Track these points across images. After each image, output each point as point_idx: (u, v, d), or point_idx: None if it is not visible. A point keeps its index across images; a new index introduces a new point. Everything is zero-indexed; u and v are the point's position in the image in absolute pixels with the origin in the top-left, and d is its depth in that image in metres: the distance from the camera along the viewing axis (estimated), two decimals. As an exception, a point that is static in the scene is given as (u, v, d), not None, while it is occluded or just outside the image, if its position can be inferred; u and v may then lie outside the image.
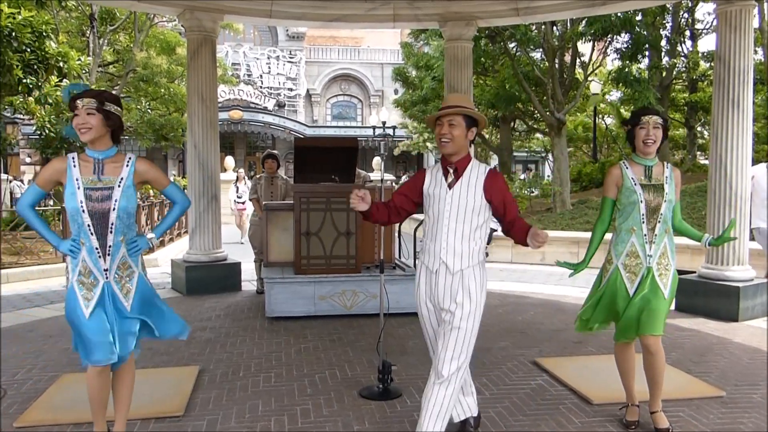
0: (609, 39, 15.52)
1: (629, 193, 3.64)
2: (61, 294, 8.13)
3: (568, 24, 15.28)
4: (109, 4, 13.58)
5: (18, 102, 12.97)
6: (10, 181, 24.44)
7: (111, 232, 3.10)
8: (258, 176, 8.18)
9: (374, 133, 26.00)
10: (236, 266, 8.36)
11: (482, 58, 16.92)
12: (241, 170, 15.90)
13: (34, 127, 17.08)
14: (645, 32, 15.37)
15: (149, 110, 20.10)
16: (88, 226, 3.07)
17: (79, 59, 10.98)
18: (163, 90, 18.52)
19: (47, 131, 15.70)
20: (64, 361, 5.18)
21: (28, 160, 34.27)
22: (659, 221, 3.62)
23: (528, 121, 19.95)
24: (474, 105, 3.32)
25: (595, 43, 15.78)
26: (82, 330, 3.08)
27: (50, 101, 11.68)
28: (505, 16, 8.56)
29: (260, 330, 6.19)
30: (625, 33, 14.77)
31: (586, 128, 23.56)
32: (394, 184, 22.61)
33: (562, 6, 8.13)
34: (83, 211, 3.06)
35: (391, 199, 3.39)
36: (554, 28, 15.85)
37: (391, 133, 24.40)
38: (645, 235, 3.64)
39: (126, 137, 27.36)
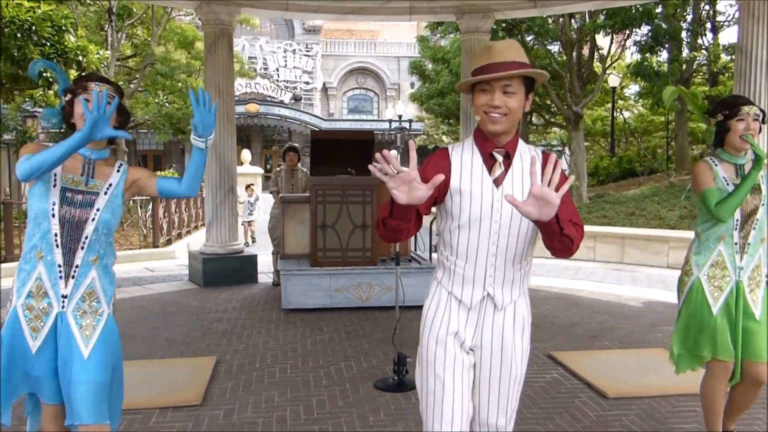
0: (628, 32, 15.37)
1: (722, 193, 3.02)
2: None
3: (587, 16, 15.15)
4: (128, -2, 13.68)
5: (38, 95, 13.12)
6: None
7: (82, 247, 2.40)
8: (278, 169, 8.22)
9: (390, 126, 26.03)
10: (252, 258, 8.41)
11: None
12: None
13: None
14: (665, 24, 15.21)
15: (167, 104, 20.22)
16: (55, 235, 2.38)
17: (98, 53, 11.08)
18: (180, 84, 18.63)
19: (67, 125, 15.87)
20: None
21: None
22: (754, 227, 3.05)
23: (545, 114, 19.83)
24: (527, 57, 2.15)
25: (614, 36, 15.64)
26: (27, 367, 2.39)
27: (70, 94, 11.80)
28: (522, 8, 8.51)
29: (276, 322, 6.23)
30: (645, 25, 14.62)
31: (604, 122, 23.36)
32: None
33: (580, -2, 8.08)
34: (53, 215, 2.37)
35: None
36: (572, 20, 15.73)
37: (408, 127, 24.43)
38: (736, 243, 3.05)
39: (144, 131, 27.58)
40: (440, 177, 1.83)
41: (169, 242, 12.01)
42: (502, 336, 2.17)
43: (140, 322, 6.24)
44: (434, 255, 7.38)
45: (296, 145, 8.44)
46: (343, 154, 7.06)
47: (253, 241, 13.43)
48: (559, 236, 1.92)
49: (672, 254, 10.02)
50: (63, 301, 2.40)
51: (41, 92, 12.88)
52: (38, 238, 2.38)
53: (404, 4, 8.55)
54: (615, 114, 21.12)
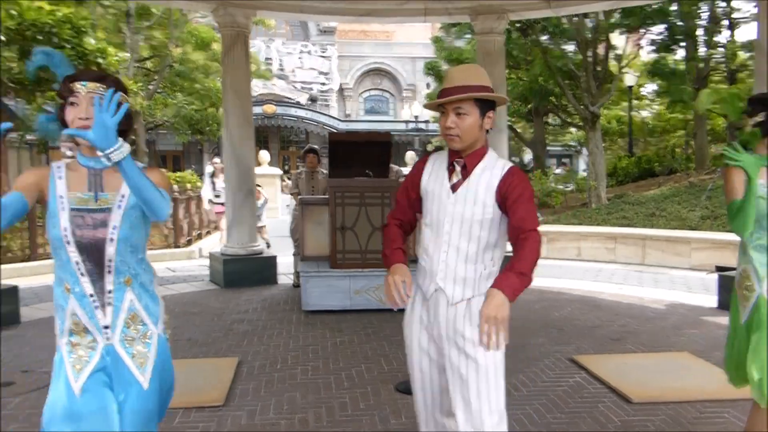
0: (643, 30, 15.24)
1: (762, 202, 2.73)
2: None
3: (602, 16, 15.04)
4: (145, 1, 13.77)
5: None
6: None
7: (109, 271, 2.13)
8: (299, 171, 8.23)
9: (407, 127, 25.98)
10: (272, 259, 8.44)
11: (514, 52, 16.76)
12: (217, 160, 11.89)
13: (74, 122, 17.47)
14: (680, 22, 15.05)
15: (185, 105, 20.37)
16: (77, 263, 2.10)
17: (117, 55, 11.20)
18: (198, 85, 18.76)
19: (86, 126, 16.04)
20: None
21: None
22: None
23: (561, 114, 19.73)
24: (487, 77, 2.35)
25: (630, 35, 15.51)
26: (70, 410, 2.07)
27: (90, 96, 11.92)
28: (536, 8, 8.46)
29: (296, 323, 6.24)
30: (661, 24, 14.49)
31: (621, 122, 23.17)
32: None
33: (596, -3, 8.02)
34: (68, 242, 2.08)
35: (395, 207, 2.61)
36: (587, 20, 15.62)
37: (424, 128, 24.37)
38: None
39: (163, 131, 27.79)
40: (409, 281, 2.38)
41: (189, 242, 12.09)
42: (455, 328, 2.33)
43: (161, 323, 6.27)
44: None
45: (316, 146, 8.45)
46: (361, 155, 7.05)
47: (267, 246, 13.13)
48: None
49: (694, 255, 9.91)
50: (106, 333, 2.14)
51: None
52: (61, 270, 2.13)
53: (419, 5, 8.53)
54: (632, 113, 20.95)
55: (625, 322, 6.32)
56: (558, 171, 24.48)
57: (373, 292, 6.61)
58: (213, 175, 11.56)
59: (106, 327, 2.14)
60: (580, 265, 10.39)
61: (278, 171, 22.27)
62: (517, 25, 15.04)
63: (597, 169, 15.24)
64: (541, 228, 7.83)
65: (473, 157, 2.34)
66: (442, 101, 2.29)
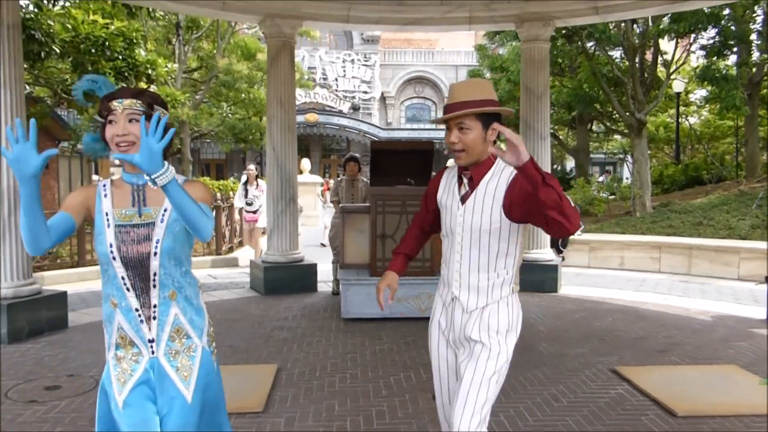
0: (694, 35, 14.91)
1: None
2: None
3: (650, 21, 14.78)
4: (195, 13, 14.10)
5: (109, 107, 13.63)
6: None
7: (154, 286, 2.17)
8: (339, 179, 8.32)
9: (448, 135, 26.00)
10: (312, 267, 8.52)
11: (559, 59, 16.60)
12: (252, 167, 11.53)
13: (123, 132, 17.97)
14: (733, 27, 14.69)
15: (230, 114, 20.74)
16: (123, 279, 2.16)
17: (166, 66, 11.49)
18: (243, 95, 19.09)
19: (135, 135, 16.47)
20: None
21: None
22: None
23: (606, 122, 19.43)
24: (492, 90, 2.40)
25: (679, 40, 15.20)
26: (113, 425, 2.16)
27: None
28: (583, 15, 8.37)
29: (336, 331, 6.29)
30: (712, 28, 14.15)
31: (668, 129, 22.68)
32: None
33: (644, 3, 7.89)
34: (114, 258, 2.15)
35: (420, 209, 2.76)
36: (635, 25, 15.37)
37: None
38: None
39: (208, 140, 28.32)
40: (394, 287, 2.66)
41: (231, 250, 12.29)
42: (470, 335, 2.40)
43: (204, 328, 6.39)
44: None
45: (357, 155, 8.52)
46: (403, 164, 7.08)
47: None
48: (542, 185, 2.06)
49: (743, 266, 9.64)
50: (151, 346, 2.18)
51: (112, 105, 13.39)
52: (108, 285, 2.19)
53: (464, 13, 8.54)
54: (680, 120, 20.51)
55: (670, 333, 6.18)
56: (601, 179, 24.10)
57: (413, 301, 6.62)
58: (246, 182, 11.20)
59: (151, 341, 2.18)
60: (623, 275, 10.20)
61: (319, 179, 22.46)
62: (563, 32, 14.89)
63: (642, 177, 14.96)
64: (583, 237, 7.81)
65: (480, 169, 2.40)
66: (444, 118, 2.37)
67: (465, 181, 2.43)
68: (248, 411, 4.12)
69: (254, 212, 10.91)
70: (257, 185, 10.98)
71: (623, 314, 7.05)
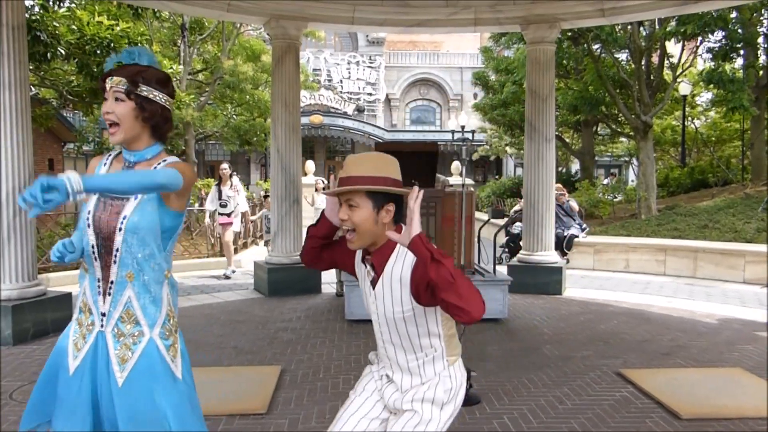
0: (700, 38, 14.86)
1: None
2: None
3: (657, 23, 14.74)
4: (200, 14, 14.14)
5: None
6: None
7: (115, 261, 2.15)
8: None
9: (453, 137, 25.94)
10: (316, 269, 8.49)
11: (564, 61, 16.56)
12: (225, 165, 10.58)
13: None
14: (740, 30, 14.64)
15: (234, 116, 20.78)
16: (93, 246, 2.17)
17: (171, 67, 11.50)
18: (248, 96, 19.12)
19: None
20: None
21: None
22: None
23: (612, 124, 19.39)
24: (392, 167, 2.17)
25: (685, 43, 15.15)
26: (57, 385, 2.20)
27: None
28: (590, 17, 8.35)
29: (339, 332, 6.28)
30: (719, 31, 14.10)
31: (674, 131, 22.61)
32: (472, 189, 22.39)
33: (651, 5, 7.86)
34: (88, 224, 2.18)
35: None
36: (641, 28, 15.33)
37: (470, 138, 24.29)
38: None
39: (212, 142, 28.38)
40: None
41: (235, 251, 12.28)
42: (401, 407, 2.20)
43: (208, 329, 6.40)
44: (498, 267, 7.30)
45: (358, 156, 8.51)
46: (407, 166, 6.99)
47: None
48: (431, 263, 1.87)
49: (749, 269, 9.60)
50: (102, 320, 2.17)
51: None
52: (83, 251, 2.20)
53: (469, 15, 8.53)
54: (686, 123, 20.45)
55: (675, 336, 6.16)
56: (606, 181, 24.04)
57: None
58: (220, 182, 10.22)
59: (103, 314, 2.17)
60: (628, 278, 10.17)
61: (324, 181, 22.48)
62: (569, 34, 14.86)
63: (647, 180, 14.91)
64: (588, 239, 7.84)
65: (381, 254, 2.15)
66: (330, 192, 2.18)
67: (367, 268, 2.21)
68: (252, 412, 4.11)
69: (228, 215, 10.05)
70: (231, 185, 10.13)
71: (628, 317, 7.03)
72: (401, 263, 2.11)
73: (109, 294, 2.16)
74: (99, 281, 2.17)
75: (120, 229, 2.14)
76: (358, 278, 2.30)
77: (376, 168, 2.11)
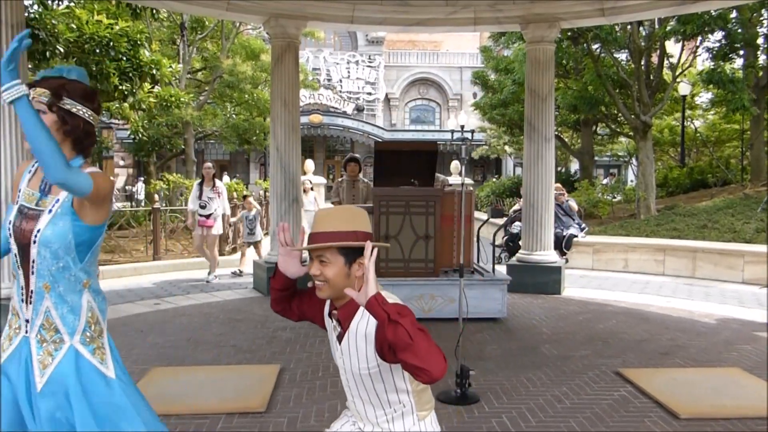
0: (700, 38, 14.87)
1: None
2: (152, 291, 8.53)
3: (656, 23, 14.75)
4: (199, 13, 14.14)
5: (114, 108, 13.67)
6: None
7: (32, 272, 2.19)
8: (340, 179, 8.32)
9: (452, 137, 26.01)
10: (316, 268, 8.49)
11: (564, 61, 16.56)
12: (209, 164, 10.19)
13: (128, 132, 18.07)
14: (740, 30, 14.65)
15: (233, 115, 20.79)
16: (15, 255, 2.22)
17: (170, 66, 11.50)
18: (247, 95, 19.12)
19: (140, 135, 16.55)
20: (154, 354, 5.43)
21: (121, 163, 36.15)
22: None
23: (611, 124, 19.40)
24: (363, 220, 2.15)
25: (685, 43, 15.16)
26: None
27: (143, 107, 12.29)
28: (589, 16, 8.35)
29: (339, 331, 6.27)
30: (719, 31, 14.11)
31: (673, 132, 22.62)
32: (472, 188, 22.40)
33: (651, 5, 7.86)
34: (9, 234, 2.22)
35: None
36: (641, 27, 15.34)
37: (470, 137, 24.32)
38: None
39: (212, 141, 28.37)
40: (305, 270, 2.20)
41: (234, 250, 12.28)
42: None
43: (207, 328, 6.41)
44: (497, 267, 7.31)
45: (357, 156, 8.53)
46: (407, 165, 7.07)
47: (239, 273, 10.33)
48: (388, 323, 1.84)
49: (748, 269, 9.60)
50: (26, 326, 2.22)
51: (117, 105, 13.43)
52: (12, 259, 2.26)
53: (469, 14, 8.53)
54: (685, 123, 20.45)
55: (673, 335, 6.16)
56: (605, 181, 24.05)
57: (416, 301, 6.60)
58: (202, 182, 9.67)
59: (27, 321, 2.22)
60: (627, 277, 10.17)
61: (323, 180, 22.45)
62: (568, 33, 14.85)
63: (646, 180, 14.92)
64: (587, 239, 7.84)
65: (348, 309, 2.13)
66: (299, 248, 2.19)
67: (333, 323, 2.19)
68: (251, 411, 4.11)
69: (207, 216, 9.41)
70: (214, 186, 9.59)
71: (627, 316, 7.03)
72: (366, 320, 2.08)
73: (31, 302, 2.20)
74: (22, 288, 2.21)
75: (34, 242, 2.16)
76: (327, 330, 2.26)
77: (346, 222, 2.10)
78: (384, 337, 1.87)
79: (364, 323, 2.08)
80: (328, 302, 2.23)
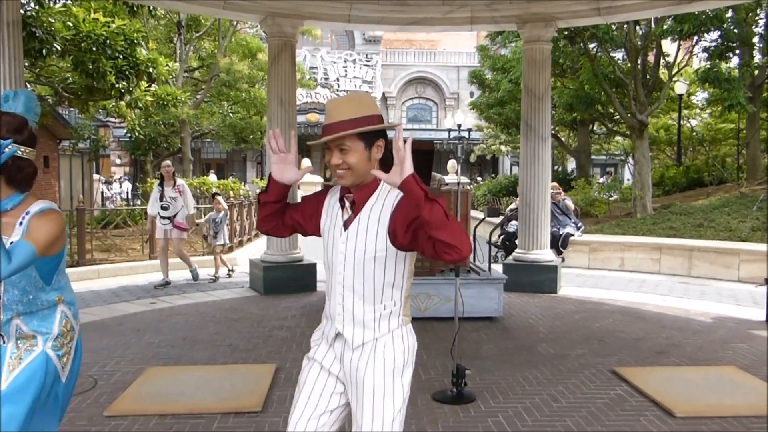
0: (696, 37, 14.89)
1: None
2: (148, 290, 8.51)
3: (653, 22, 14.77)
4: (196, 11, 14.11)
5: (110, 106, 13.64)
6: (104, 182, 25.76)
7: (2, 307, 2.30)
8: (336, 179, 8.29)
9: (449, 135, 25.97)
10: (312, 266, 8.51)
11: (561, 60, 16.57)
12: (168, 162, 9.41)
13: (125, 130, 18.05)
14: (735, 29, 14.67)
15: (230, 114, 20.76)
16: None
17: (167, 65, 11.47)
18: (244, 94, 19.10)
19: (137, 134, 16.53)
20: (150, 354, 5.42)
21: (118, 161, 36.07)
22: None
23: (608, 123, 19.43)
24: (371, 103, 2.22)
25: (681, 42, 15.17)
26: None
27: (140, 105, 12.26)
28: (586, 16, 8.36)
29: (335, 330, 6.27)
30: (715, 30, 14.14)
31: (669, 131, 22.65)
32: (469, 187, 22.44)
33: (647, 4, 7.87)
34: None
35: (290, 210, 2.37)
36: (637, 27, 15.36)
37: (467, 136, 24.31)
38: None
39: (208, 140, 28.31)
40: (310, 167, 2.37)
41: (230, 249, 12.27)
42: (356, 374, 2.17)
43: (204, 327, 6.40)
44: (494, 266, 7.31)
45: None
46: (403, 163, 7.05)
47: (231, 271, 9.80)
48: (425, 201, 1.92)
49: (743, 267, 9.63)
50: (2, 338, 2.32)
51: (113, 103, 13.42)
52: None
53: (466, 14, 8.53)
54: (681, 122, 20.49)
55: (669, 334, 6.17)
56: (602, 180, 24.08)
57: (413, 301, 6.60)
58: (162, 182, 8.94)
59: (1, 335, 2.32)
60: (624, 276, 10.19)
61: (319, 179, 22.48)
62: (565, 32, 14.86)
63: (643, 179, 14.94)
64: (584, 238, 7.84)
65: (363, 192, 2.18)
66: (321, 141, 2.17)
67: (347, 204, 2.20)
68: (247, 410, 4.11)
69: (171, 218, 8.79)
70: (175, 184, 8.91)
71: (623, 315, 7.05)
72: (381, 202, 2.16)
73: (1, 334, 2.30)
74: None
75: (1, 282, 2.20)
76: (323, 227, 2.27)
77: (359, 108, 2.15)
78: (416, 215, 1.96)
79: (379, 205, 2.16)
80: (335, 192, 2.27)
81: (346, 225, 2.18)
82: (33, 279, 2.28)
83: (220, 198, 9.84)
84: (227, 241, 10.04)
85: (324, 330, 2.29)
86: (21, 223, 2.23)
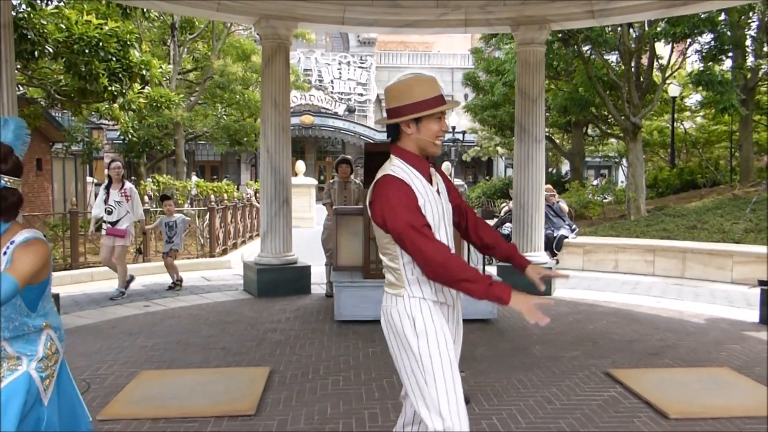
0: (690, 40, 14.95)
1: None
2: (142, 293, 8.48)
3: (646, 25, 14.82)
4: (189, 14, 14.09)
5: (103, 108, 13.58)
6: (97, 185, 25.65)
7: None
8: (331, 181, 8.29)
9: (443, 138, 26.11)
10: (306, 269, 8.49)
11: (554, 62, 16.61)
12: (118, 164, 8.64)
13: (119, 132, 17.99)
14: (729, 32, 14.74)
15: (224, 116, 20.73)
16: None
17: (161, 67, 11.44)
18: (237, 96, 19.08)
19: (130, 136, 16.48)
20: (143, 357, 5.40)
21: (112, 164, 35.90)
22: None
23: (601, 125, 19.49)
24: None
25: (675, 45, 15.23)
26: None
27: (134, 107, 12.23)
28: (579, 18, 8.38)
29: (329, 333, 6.26)
30: (708, 33, 14.20)
31: (663, 133, 22.75)
32: (463, 189, 22.48)
33: (641, 7, 7.90)
34: None
35: (430, 234, 2.38)
36: (631, 29, 15.41)
37: (461, 138, 24.35)
38: None
39: (203, 142, 28.27)
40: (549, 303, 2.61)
41: (225, 252, 12.25)
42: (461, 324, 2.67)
43: (197, 330, 6.37)
44: (487, 268, 7.31)
45: (349, 157, 8.51)
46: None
47: (174, 286, 8.81)
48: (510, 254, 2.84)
49: (737, 269, 9.66)
50: None
51: (106, 106, 13.37)
52: None
53: (460, 16, 8.54)
54: (675, 124, 20.57)
55: (663, 336, 6.18)
56: (595, 182, 24.14)
57: (407, 303, 6.59)
58: (110, 185, 8.32)
59: None
60: (617, 278, 10.20)
61: (313, 181, 22.44)
62: (559, 35, 14.89)
63: (636, 181, 14.98)
64: (578, 239, 7.89)
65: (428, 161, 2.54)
66: (447, 107, 2.42)
67: (433, 172, 2.54)
68: (240, 413, 4.09)
69: (114, 223, 8.11)
70: (122, 188, 8.26)
71: (617, 317, 7.05)
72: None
73: None
74: None
75: None
76: (424, 204, 2.40)
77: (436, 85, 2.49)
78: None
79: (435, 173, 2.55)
80: (419, 177, 2.45)
81: (440, 191, 2.52)
82: (18, 307, 2.29)
83: (171, 201, 9.27)
84: (180, 248, 9.32)
85: (442, 300, 2.54)
86: (5, 253, 2.24)
